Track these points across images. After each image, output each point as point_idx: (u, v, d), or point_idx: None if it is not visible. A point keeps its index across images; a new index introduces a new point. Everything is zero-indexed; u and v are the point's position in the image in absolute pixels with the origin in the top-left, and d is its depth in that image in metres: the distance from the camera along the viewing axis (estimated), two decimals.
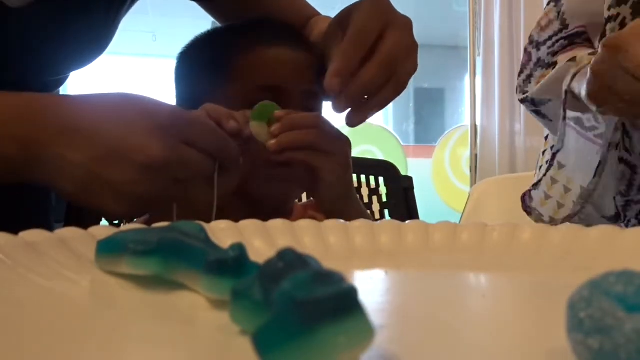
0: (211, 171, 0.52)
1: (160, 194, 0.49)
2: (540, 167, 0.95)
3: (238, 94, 0.68)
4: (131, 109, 0.48)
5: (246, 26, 0.75)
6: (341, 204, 0.66)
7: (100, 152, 0.46)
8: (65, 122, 0.47)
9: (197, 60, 0.76)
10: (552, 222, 0.92)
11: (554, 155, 0.89)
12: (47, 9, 0.63)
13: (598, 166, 0.79)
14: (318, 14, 0.85)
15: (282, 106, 0.63)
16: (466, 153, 3.28)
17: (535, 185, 0.93)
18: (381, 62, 0.56)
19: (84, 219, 0.86)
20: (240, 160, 0.54)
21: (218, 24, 0.84)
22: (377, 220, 0.53)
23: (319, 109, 0.71)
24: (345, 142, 0.65)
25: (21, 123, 0.47)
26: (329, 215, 0.61)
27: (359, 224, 0.45)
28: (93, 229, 0.39)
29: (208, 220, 0.42)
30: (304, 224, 0.44)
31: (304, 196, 1.05)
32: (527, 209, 0.95)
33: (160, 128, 0.47)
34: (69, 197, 0.50)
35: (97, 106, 0.49)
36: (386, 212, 1.06)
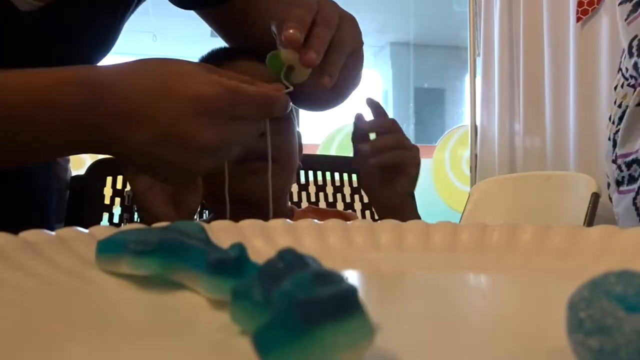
0: (261, 130, 0.55)
1: (219, 165, 0.52)
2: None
3: None
4: (176, 90, 0.48)
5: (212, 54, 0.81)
6: (407, 201, 0.73)
7: (155, 136, 0.48)
8: (120, 107, 0.48)
9: None
10: None
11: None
12: (57, 13, 0.64)
13: None
14: None
15: None
16: (466, 153, 3.27)
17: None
18: (324, 23, 0.57)
19: (84, 219, 0.86)
20: (289, 104, 0.54)
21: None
22: (377, 220, 0.53)
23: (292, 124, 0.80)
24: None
25: (84, 110, 0.49)
26: (389, 213, 0.68)
27: (359, 224, 0.45)
28: (93, 229, 0.39)
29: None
30: (304, 224, 0.44)
31: (303, 196, 1.05)
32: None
33: (209, 112, 0.48)
34: (138, 171, 0.55)
35: (144, 87, 0.49)
36: None
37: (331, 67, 0.58)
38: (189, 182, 0.54)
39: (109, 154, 0.53)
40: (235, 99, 0.49)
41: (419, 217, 0.74)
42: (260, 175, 0.68)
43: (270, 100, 0.51)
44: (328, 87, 0.57)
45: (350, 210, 1.04)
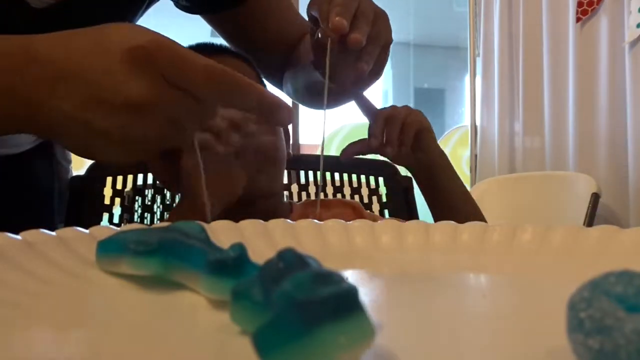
0: (214, 115, 0.47)
1: (154, 136, 0.44)
2: None
3: None
4: (110, 45, 0.43)
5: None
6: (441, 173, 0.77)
7: (82, 98, 0.42)
8: (55, 71, 0.43)
9: None
10: None
11: None
12: (67, 10, 0.64)
13: None
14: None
15: None
16: (466, 153, 3.27)
17: None
18: (363, 16, 0.59)
19: (84, 219, 0.86)
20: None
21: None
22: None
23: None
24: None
25: (22, 76, 0.43)
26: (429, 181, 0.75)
27: (359, 224, 0.45)
28: (93, 229, 0.39)
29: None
30: (304, 224, 0.44)
31: (303, 196, 1.05)
32: None
33: (141, 63, 0.42)
34: (71, 150, 0.48)
35: (76, 47, 0.44)
36: (386, 212, 1.06)
37: (367, 56, 0.59)
38: (124, 155, 0.45)
39: (37, 131, 0.47)
40: (177, 59, 0.43)
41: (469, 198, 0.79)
42: (231, 174, 0.67)
43: (235, 82, 0.44)
44: (365, 72, 0.59)
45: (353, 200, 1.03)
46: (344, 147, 0.78)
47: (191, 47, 0.80)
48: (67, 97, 0.43)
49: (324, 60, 0.59)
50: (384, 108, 0.75)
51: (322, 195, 1.07)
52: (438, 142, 0.82)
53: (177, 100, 0.43)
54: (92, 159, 0.48)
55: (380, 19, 0.61)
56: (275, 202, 0.77)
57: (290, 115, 0.46)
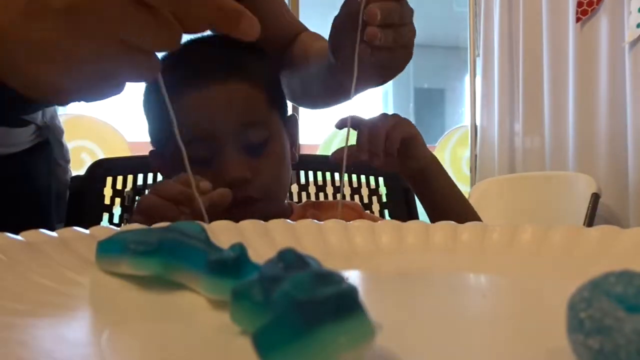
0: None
1: (104, 50, 0.40)
2: None
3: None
4: None
5: (176, 57, 0.70)
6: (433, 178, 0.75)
7: (18, 7, 0.39)
8: None
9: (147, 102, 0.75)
10: None
11: None
12: None
13: None
14: (306, 29, 0.86)
15: (217, 151, 0.66)
16: (466, 153, 3.27)
17: None
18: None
19: (84, 219, 0.86)
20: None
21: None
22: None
23: (270, 134, 0.71)
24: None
25: None
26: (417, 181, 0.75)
27: (359, 224, 0.45)
28: (93, 229, 0.39)
29: None
30: (304, 223, 0.44)
31: (303, 196, 1.05)
32: None
33: None
34: (18, 84, 0.42)
35: None
36: (386, 212, 1.06)
37: (380, 34, 0.59)
38: (67, 78, 0.41)
39: None
40: None
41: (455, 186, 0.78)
42: (246, 207, 0.65)
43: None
44: (373, 38, 0.58)
45: (354, 201, 1.03)
46: (337, 149, 0.76)
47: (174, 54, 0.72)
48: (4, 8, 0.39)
49: (355, 23, 0.59)
50: (372, 118, 0.74)
51: (321, 195, 1.07)
52: (438, 142, 0.82)
53: (124, 6, 0.38)
54: (40, 91, 0.42)
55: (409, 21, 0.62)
56: (277, 204, 0.76)
57: (255, 26, 0.41)
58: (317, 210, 0.80)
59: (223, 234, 0.41)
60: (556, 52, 2.45)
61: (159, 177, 0.90)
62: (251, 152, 0.69)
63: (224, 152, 0.67)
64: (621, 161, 2.20)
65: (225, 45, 0.73)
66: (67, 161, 0.94)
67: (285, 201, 0.81)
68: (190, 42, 0.74)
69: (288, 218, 0.77)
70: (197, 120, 0.67)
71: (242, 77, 0.70)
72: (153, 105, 0.73)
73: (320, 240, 0.43)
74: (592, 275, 0.21)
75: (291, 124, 0.78)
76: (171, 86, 0.61)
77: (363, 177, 1.08)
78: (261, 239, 0.42)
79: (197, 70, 0.70)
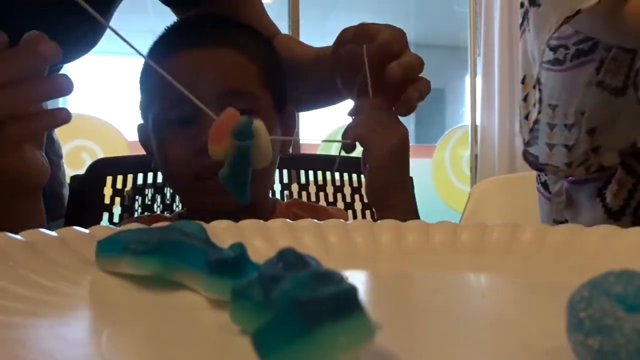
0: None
1: None
2: (527, 118, 0.96)
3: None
4: None
5: (173, 26, 0.74)
6: (388, 194, 0.67)
7: None
8: None
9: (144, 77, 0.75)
10: (570, 167, 0.92)
11: (541, 100, 0.89)
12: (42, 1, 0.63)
13: None
14: (279, 32, 0.87)
15: (199, 113, 0.63)
16: (466, 153, 3.28)
17: (531, 142, 0.93)
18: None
19: (84, 219, 0.86)
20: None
21: None
22: (376, 220, 0.53)
23: (257, 112, 0.68)
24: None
25: None
26: (374, 204, 0.68)
27: (359, 224, 0.45)
28: (93, 229, 0.39)
29: None
30: (304, 223, 0.44)
31: (304, 196, 1.05)
32: (539, 167, 0.95)
33: None
34: None
35: None
36: None
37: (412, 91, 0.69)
38: None
39: None
40: None
41: (414, 214, 0.69)
42: (217, 195, 0.62)
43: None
44: (412, 103, 0.67)
45: (342, 208, 1.03)
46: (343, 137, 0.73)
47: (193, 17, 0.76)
48: None
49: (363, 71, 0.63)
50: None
51: (321, 195, 1.06)
52: (438, 141, 0.81)
53: None
54: None
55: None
56: (257, 189, 0.73)
57: (54, 51, 0.45)
58: (301, 211, 0.79)
59: (223, 234, 0.41)
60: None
61: (159, 177, 0.90)
62: None
63: (204, 114, 0.65)
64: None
65: (224, 21, 0.74)
66: (60, 157, 0.94)
67: (271, 196, 0.80)
68: (189, 17, 0.77)
69: (267, 214, 0.76)
70: (182, 80, 0.66)
71: (234, 47, 0.70)
72: (145, 72, 0.74)
73: (320, 240, 0.43)
74: (592, 275, 0.21)
75: (288, 115, 0.76)
76: (164, 50, 0.64)
77: (363, 177, 1.08)
78: (261, 239, 0.42)
79: (190, 36, 0.71)
